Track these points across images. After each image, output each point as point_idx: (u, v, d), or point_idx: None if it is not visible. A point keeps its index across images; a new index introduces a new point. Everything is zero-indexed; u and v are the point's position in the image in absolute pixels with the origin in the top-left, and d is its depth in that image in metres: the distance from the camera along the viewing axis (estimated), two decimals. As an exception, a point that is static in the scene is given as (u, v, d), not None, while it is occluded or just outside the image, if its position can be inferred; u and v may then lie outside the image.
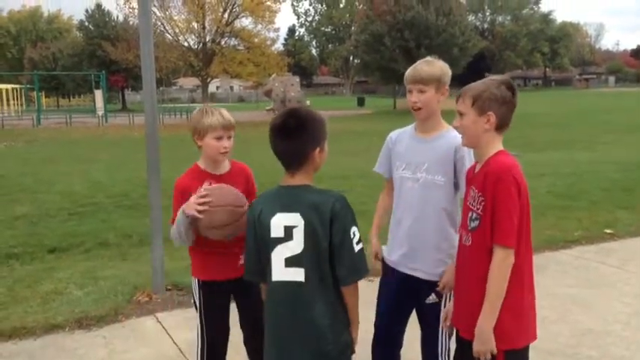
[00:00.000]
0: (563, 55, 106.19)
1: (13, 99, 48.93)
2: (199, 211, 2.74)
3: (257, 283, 2.51)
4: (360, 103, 58.37)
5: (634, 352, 4.08)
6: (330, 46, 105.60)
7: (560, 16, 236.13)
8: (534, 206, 7.68)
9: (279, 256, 2.26)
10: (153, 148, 5.28)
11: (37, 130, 32.49)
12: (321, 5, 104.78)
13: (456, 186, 2.91)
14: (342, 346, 2.27)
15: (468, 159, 2.79)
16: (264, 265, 2.34)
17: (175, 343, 4.34)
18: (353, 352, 2.37)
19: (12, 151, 19.92)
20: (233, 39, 40.06)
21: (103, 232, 7.58)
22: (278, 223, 2.25)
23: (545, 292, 5.13)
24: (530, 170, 10.77)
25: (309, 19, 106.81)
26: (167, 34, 38.46)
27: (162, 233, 5.45)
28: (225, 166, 3.11)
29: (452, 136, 2.87)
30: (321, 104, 56.05)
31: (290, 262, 2.24)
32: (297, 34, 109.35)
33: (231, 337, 3.26)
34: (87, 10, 67.96)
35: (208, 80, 40.67)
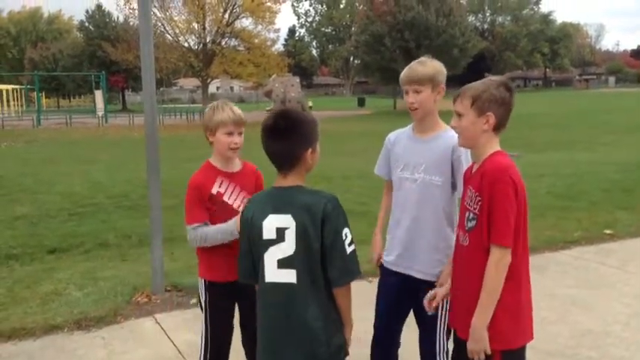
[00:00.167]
0: (563, 56, 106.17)
1: (14, 99, 48.93)
2: None
3: (252, 286, 2.50)
4: (361, 103, 58.41)
5: (633, 353, 4.08)
6: (330, 46, 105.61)
7: (560, 17, 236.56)
8: (534, 207, 7.64)
9: (271, 257, 2.26)
10: (152, 149, 5.28)
11: (37, 130, 32.51)
12: (322, 6, 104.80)
13: (454, 186, 2.91)
14: (334, 348, 2.26)
15: (465, 159, 2.79)
16: (257, 268, 2.33)
17: (174, 344, 4.34)
18: (347, 354, 2.36)
19: (12, 152, 19.93)
20: (233, 40, 40.06)
21: (103, 232, 7.59)
22: (270, 224, 2.25)
23: (544, 293, 5.14)
24: (530, 171, 10.78)
25: (310, 19, 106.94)
26: (167, 35, 38.47)
27: (161, 234, 5.45)
28: (237, 165, 3.12)
29: (449, 136, 2.87)
30: (322, 105, 56.04)
31: (282, 263, 2.24)
32: (297, 34, 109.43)
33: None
34: (87, 11, 68.17)
35: (208, 81, 40.65)
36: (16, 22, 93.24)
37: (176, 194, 9.38)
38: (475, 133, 2.41)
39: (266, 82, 42.25)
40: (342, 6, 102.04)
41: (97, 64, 59.63)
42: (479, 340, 2.31)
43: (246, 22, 39.82)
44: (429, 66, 2.91)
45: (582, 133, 22.61)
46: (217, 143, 3.01)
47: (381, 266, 3.15)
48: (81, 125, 35.98)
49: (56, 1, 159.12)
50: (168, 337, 4.48)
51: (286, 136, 2.26)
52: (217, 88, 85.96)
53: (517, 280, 2.35)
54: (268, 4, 38.88)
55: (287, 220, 2.22)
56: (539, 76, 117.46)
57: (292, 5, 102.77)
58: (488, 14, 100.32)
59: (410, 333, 3.15)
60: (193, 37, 38.72)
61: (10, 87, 49.42)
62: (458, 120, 2.46)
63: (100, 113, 41.72)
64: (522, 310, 2.40)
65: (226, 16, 37.70)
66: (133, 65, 41.96)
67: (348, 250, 2.21)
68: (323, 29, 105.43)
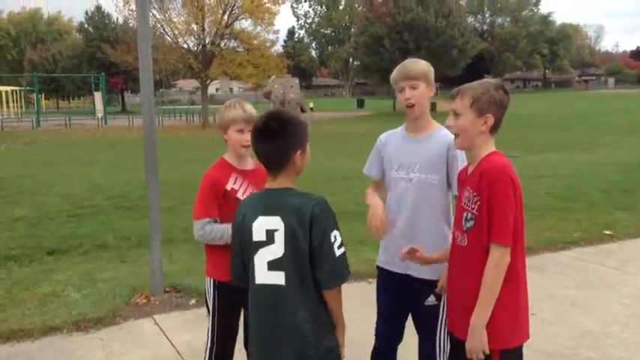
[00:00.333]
0: (562, 57, 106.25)
1: (13, 101, 48.97)
2: None
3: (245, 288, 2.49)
4: (360, 104, 58.47)
5: (633, 354, 4.07)
6: (329, 47, 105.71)
7: (559, 18, 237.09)
8: (534, 208, 7.67)
9: (261, 259, 2.26)
10: (151, 150, 5.28)
11: (36, 132, 32.53)
12: (321, 7, 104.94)
13: (449, 184, 2.90)
14: (324, 350, 2.25)
15: (461, 157, 2.80)
16: (249, 269, 2.34)
17: (173, 345, 4.33)
18: (340, 356, 2.35)
19: (11, 153, 19.93)
20: (232, 41, 39.97)
21: (102, 233, 7.58)
22: (260, 226, 2.25)
23: (543, 294, 5.14)
24: (530, 172, 10.79)
25: (309, 20, 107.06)
26: (167, 36, 38.38)
27: (160, 235, 5.45)
28: (250, 163, 3.14)
29: (443, 134, 2.89)
30: (321, 106, 56.12)
31: (272, 265, 2.24)
32: (296, 35, 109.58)
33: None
34: (87, 12, 68.27)
35: (208, 82, 40.56)
36: (15, 24, 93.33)
37: (175, 195, 9.41)
38: (473, 133, 2.41)
39: (265, 83, 42.18)
40: (341, 7, 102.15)
41: (97, 65, 59.68)
42: (478, 338, 2.31)
43: (245, 24, 39.79)
44: (421, 63, 2.95)
45: (581, 134, 22.64)
46: (230, 141, 3.07)
47: (378, 267, 3.15)
48: (80, 127, 36.02)
49: (56, 3, 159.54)
50: (167, 338, 4.47)
51: (276, 137, 2.25)
52: (217, 89, 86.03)
53: (515, 279, 2.35)
54: (267, 5, 38.83)
55: (276, 222, 2.22)
56: (538, 77, 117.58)
57: (291, 6, 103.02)
58: (487, 15, 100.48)
59: (409, 333, 3.15)
60: (192, 39, 38.67)
61: (9, 88, 49.45)
62: (455, 119, 2.46)
63: (100, 115, 41.74)
64: (520, 309, 2.40)
65: (225, 17, 37.62)
66: (132, 67, 41.84)
67: (337, 252, 2.21)
68: (322, 30, 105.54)
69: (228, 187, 3.02)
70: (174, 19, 37.54)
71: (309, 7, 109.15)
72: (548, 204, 8.87)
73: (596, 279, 5.70)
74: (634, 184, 10.34)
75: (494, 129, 2.43)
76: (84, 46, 66.25)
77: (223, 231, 2.93)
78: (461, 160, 2.79)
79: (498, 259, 2.28)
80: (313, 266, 2.21)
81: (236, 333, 3.19)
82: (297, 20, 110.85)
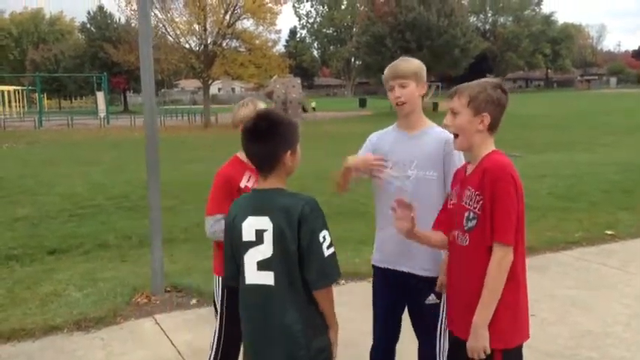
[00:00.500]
0: (564, 57, 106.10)
1: (15, 101, 48.98)
2: None
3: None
4: (362, 104, 58.42)
5: (634, 354, 4.06)
6: (331, 47, 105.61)
7: (561, 18, 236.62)
8: (535, 208, 7.64)
9: (251, 259, 2.26)
10: (152, 150, 5.28)
11: (38, 131, 32.56)
12: (323, 7, 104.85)
13: (445, 180, 2.90)
14: (314, 351, 2.24)
15: (458, 155, 2.81)
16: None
17: (174, 345, 4.34)
18: (332, 356, 2.34)
19: (13, 153, 19.95)
20: (234, 41, 39.92)
21: (103, 233, 7.59)
22: (249, 226, 2.26)
23: (544, 294, 5.13)
24: (531, 172, 10.78)
25: (311, 20, 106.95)
26: (169, 36, 38.39)
27: (161, 235, 5.45)
28: None
29: (438, 131, 2.93)
30: (323, 106, 56.11)
31: (261, 265, 2.24)
32: (298, 35, 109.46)
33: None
34: (89, 12, 68.25)
35: (210, 82, 40.53)
36: (17, 24, 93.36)
37: (176, 195, 9.43)
38: (470, 132, 2.41)
39: (267, 83, 42.22)
40: (343, 7, 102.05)
41: (99, 65, 59.70)
42: (479, 338, 2.31)
43: (247, 24, 39.76)
44: (412, 62, 2.96)
45: (582, 134, 22.60)
46: None
47: (374, 267, 3.14)
48: (82, 126, 36.06)
49: (58, 3, 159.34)
50: (168, 337, 4.47)
51: (266, 137, 2.25)
52: (219, 89, 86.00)
53: (516, 278, 2.35)
54: (269, 5, 38.79)
55: (265, 222, 2.22)
56: (540, 76, 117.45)
57: (293, 6, 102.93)
58: (489, 15, 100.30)
59: (407, 331, 3.14)
60: (194, 39, 38.64)
61: (11, 88, 49.45)
62: (452, 118, 2.46)
63: (102, 114, 41.80)
64: (521, 309, 2.40)
65: (227, 17, 37.59)
66: (134, 66, 41.83)
67: (326, 252, 2.19)
68: (324, 30, 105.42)
69: (242, 184, 3.03)
70: (176, 19, 37.55)
71: (311, 6, 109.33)
72: (549, 204, 8.87)
73: (597, 279, 5.69)
74: (635, 184, 10.32)
75: (492, 128, 2.42)
76: (86, 45, 66.25)
77: None
78: (457, 154, 2.80)
79: (501, 259, 2.28)
80: (302, 266, 2.20)
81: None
82: (299, 20, 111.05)
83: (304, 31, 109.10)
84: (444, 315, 2.97)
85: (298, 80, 39.68)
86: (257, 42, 39.42)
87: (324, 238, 2.19)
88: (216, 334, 3.18)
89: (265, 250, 2.22)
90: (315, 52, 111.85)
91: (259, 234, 2.23)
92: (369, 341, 3.18)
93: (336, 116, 43.27)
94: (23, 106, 50.34)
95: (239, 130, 3.06)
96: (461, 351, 2.40)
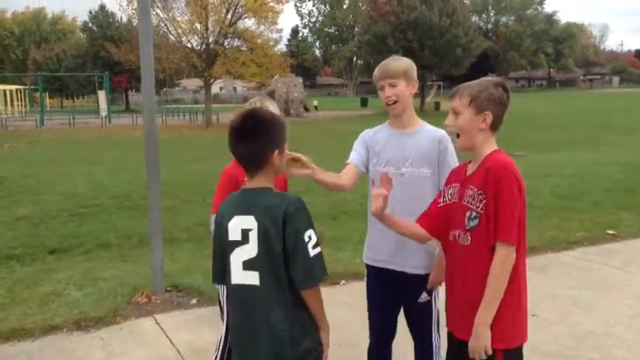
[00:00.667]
0: (567, 56, 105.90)
1: (17, 100, 49.01)
2: None
3: None
4: (364, 103, 58.38)
5: (635, 355, 4.04)
6: (333, 46, 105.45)
7: (564, 17, 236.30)
8: (538, 207, 7.61)
9: (237, 259, 2.25)
10: (152, 149, 5.27)
11: (40, 130, 32.58)
12: (325, 6, 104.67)
13: (439, 178, 2.90)
14: (301, 352, 2.23)
15: (452, 150, 2.84)
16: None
17: (174, 345, 4.32)
18: (321, 358, 2.32)
19: (15, 152, 19.96)
20: (236, 40, 39.90)
21: (104, 233, 7.59)
22: (235, 226, 2.25)
23: (545, 294, 5.11)
24: (534, 171, 10.75)
25: (313, 19, 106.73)
26: (170, 35, 38.37)
27: (161, 234, 5.43)
28: None
29: (431, 129, 2.95)
30: (325, 105, 56.12)
31: (247, 265, 2.23)
32: (300, 34, 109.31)
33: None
34: (90, 12, 68.13)
35: (211, 81, 40.50)
36: (19, 23, 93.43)
37: (177, 195, 9.42)
38: (472, 131, 2.40)
39: (269, 82, 42.25)
40: (345, 6, 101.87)
41: (101, 64, 59.70)
42: (481, 338, 2.29)
43: (248, 23, 39.70)
44: (401, 61, 2.96)
45: (585, 133, 22.59)
46: None
47: (366, 265, 3.14)
48: (84, 125, 36.08)
49: (59, 2, 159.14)
50: (168, 337, 4.46)
51: (252, 136, 2.24)
52: (220, 88, 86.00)
53: (518, 279, 2.34)
54: (271, 4, 38.73)
55: (250, 222, 2.21)
56: (543, 76, 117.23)
57: (295, 5, 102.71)
58: (491, 14, 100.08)
59: (404, 331, 3.13)
60: (196, 38, 38.61)
61: (13, 87, 49.50)
62: (454, 118, 2.44)
63: (104, 113, 41.85)
64: (521, 309, 2.39)
65: (229, 16, 37.54)
66: (136, 66, 41.74)
67: (312, 252, 2.18)
68: (326, 29, 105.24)
69: None
70: (178, 18, 37.53)
71: (313, 5, 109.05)
72: (552, 203, 8.85)
73: (598, 279, 5.67)
74: (637, 183, 10.29)
75: (494, 127, 2.41)
76: (88, 45, 66.27)
77: None
78: (451, 151, 2.83)
79: (505, 258, 2.27)
80: (288, 266, 2.19)
81: None
82: (301, 19, 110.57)
83: (306, 31, 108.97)
84: (437, 312, 3.00)
85: (300, 79, 39.73)
86: (259, 41, 39.38)
87: (309, 237, 2.18)
88: (223, 334, 3.18)
89: (251, 250, 2.21)
90: (317, 52, 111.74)
91: (245, 233, 2.22)
92: (368, 341, 3.17)
93: (337, 115, 43.28)
94: (25, 106, 50.37)
95: None
96: (462, 351, 2.38)
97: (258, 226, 2.19)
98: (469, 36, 48.13)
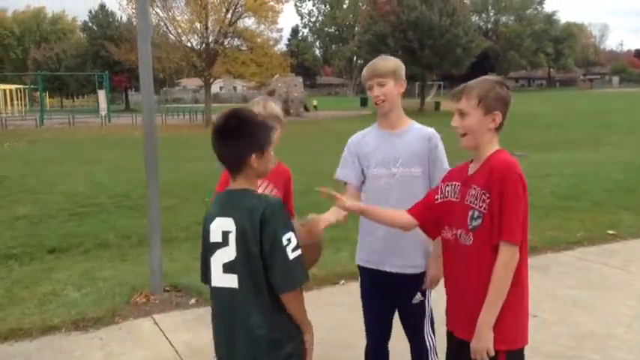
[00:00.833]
0: (567, 56, 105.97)
1: (17, 99, 49.03)
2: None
3: None
4: (363, 103, 58.34)
5: (636, 356, 4.03)
6: (333, 46, 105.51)
7: (564, 17, 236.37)
8: (538, 207, 7.60)
9: (217, 261, 2.24)
10: (151, 148, 5.26)
11: (40, 130, 32.56)
12: (325, 6, 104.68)
13: (430, 176, 2.92)
14: (281, 357, 2.19)
15: (441, 148, 2.89)
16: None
17: (172, 345, 4.31)
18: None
19: (15, 152, 19.93)
20: (236, 39, 39.85)
21: (103, 232, 7.56)
22: (216, 227, 2.23)
23: (546, 294, 5.10)
24: (534, 171, 10.73)
25: (313, 19, 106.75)
26: (170, 35, 38.33)
27: (160, 234, 5.42)
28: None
29: (419, 128, 2.98)
30: (325, 104, 56.12)
31: (227, 267, 2.21)
32: (300, 34, 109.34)
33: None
34: (90, 11, 68.11)
35: (211, 81, 40.44)
36: (19, 22, 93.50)
37: (176, 194, 9.40)
38: (481, 131, 2.39)
39: (269, 81, 42.20)
40: (345, 6, 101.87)
41: (100, 64, 59.70)
42: (484, 338, 2.28)
43: (248, 22, 39.64)
44: (390, 60, 2.97)
45: (585, 133, 22.56)
46: None
47: (359, 267, 3.14)
48: (84, 125, 36.05)
49: (60, 2, 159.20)
50: (167, 337, 4.45)
51: (232, 137, 2.21)
52: (220, 88, 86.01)
53: (520, 280, 2.33)
54: (271, 3, 38.66)
55: (230, 224, 2.18)
56: (543, 75, 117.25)
57: (295, 5, 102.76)
58: (491, 14, 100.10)
59: (401, 330, 3.12)
60: (196, 37, 38.53)
61: (13, 87, 49.51)
62: (460, 119, 2.42)
63: (103, 113, 41.82)
64: (523, 310, 2.38)
65: (229, 15, 37.49)
66: (135, 65, 41.37)
67: (291, 255, 2.14)
68: (326, 29, 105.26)
69: None
70: (178, 18, 37.48)
71: (313, 5, 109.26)
72: (552, 203, 8.83)
73: (599, 279, 5.66)
74: (637, 183, 10.27)
75: (499, 127, 2.41)
76: (88, 44, 66.27)
77: None
78: (441, 149, 2.89)
79: (509, 258, 2.26)
80: (267, 270, 2.16)
81: None
82: (301, 19, 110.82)
83: (306, 30, 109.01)
84: (430, 311, 3.02)
85: (300, 79, 39.71)
86: (259, 40, 39.34)
87: (288, 240, 2.14)
88: None
89: (230, 252, 2.19)
90: (317, 51, 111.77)
91: (225, 235, 2.20)
92: (359, 343, 3.16)
93: (337, 115, 43.25)
94: (25, 105, 50.37)
95: None
96: (463, 352, 2.37)
97: (237, 229, 2.16)
98: (469, 36, 48.09)
